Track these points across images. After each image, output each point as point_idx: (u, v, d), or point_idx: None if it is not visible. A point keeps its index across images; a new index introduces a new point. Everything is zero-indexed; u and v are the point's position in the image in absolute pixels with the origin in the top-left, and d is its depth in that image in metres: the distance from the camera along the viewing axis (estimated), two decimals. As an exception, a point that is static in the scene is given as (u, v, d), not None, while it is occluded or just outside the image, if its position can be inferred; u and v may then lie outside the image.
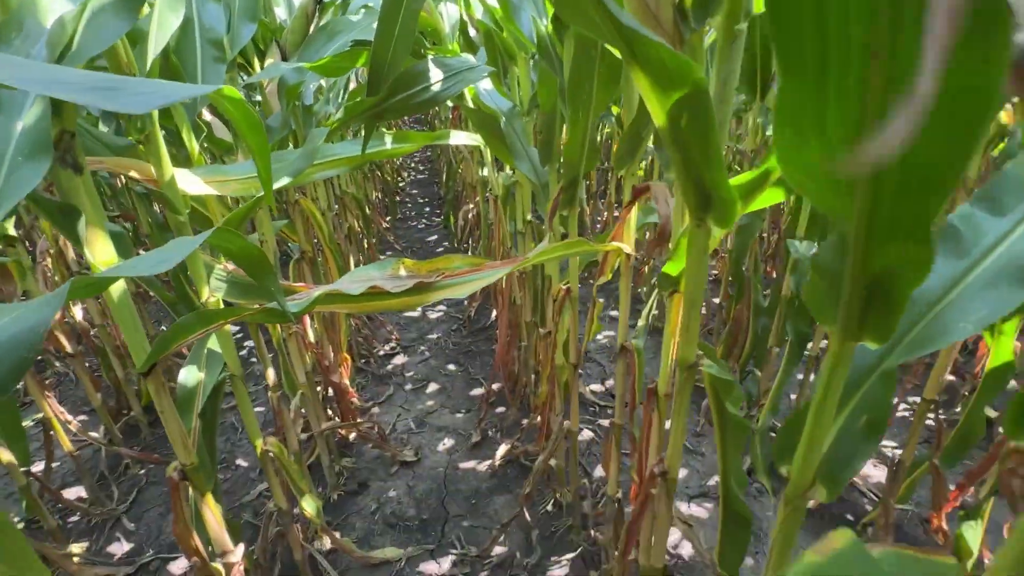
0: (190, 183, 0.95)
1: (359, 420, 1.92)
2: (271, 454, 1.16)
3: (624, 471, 1.66)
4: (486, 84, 1.35)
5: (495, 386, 2.14)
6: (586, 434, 1.97)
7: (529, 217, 1.76)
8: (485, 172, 2.57)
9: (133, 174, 0.85)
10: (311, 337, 1.75)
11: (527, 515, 1.49)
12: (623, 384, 1.07)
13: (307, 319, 1.74)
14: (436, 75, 1.10)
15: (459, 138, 1.48)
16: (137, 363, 0.75)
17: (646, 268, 2.71)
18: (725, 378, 0.59)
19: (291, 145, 1.64)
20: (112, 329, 1.98)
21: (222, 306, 0.97)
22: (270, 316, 0.79)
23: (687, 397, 0.64)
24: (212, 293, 0.95)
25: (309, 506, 1.28)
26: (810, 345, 1.66)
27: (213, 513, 0.89)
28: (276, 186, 0.99)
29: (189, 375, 1.04)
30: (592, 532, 1.48)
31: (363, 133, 1.08)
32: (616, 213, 3.27)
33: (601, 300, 1.09)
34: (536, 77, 1.49)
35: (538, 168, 1.27)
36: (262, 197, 0.98)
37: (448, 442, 1.98)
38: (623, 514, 1.25)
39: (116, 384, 2.01)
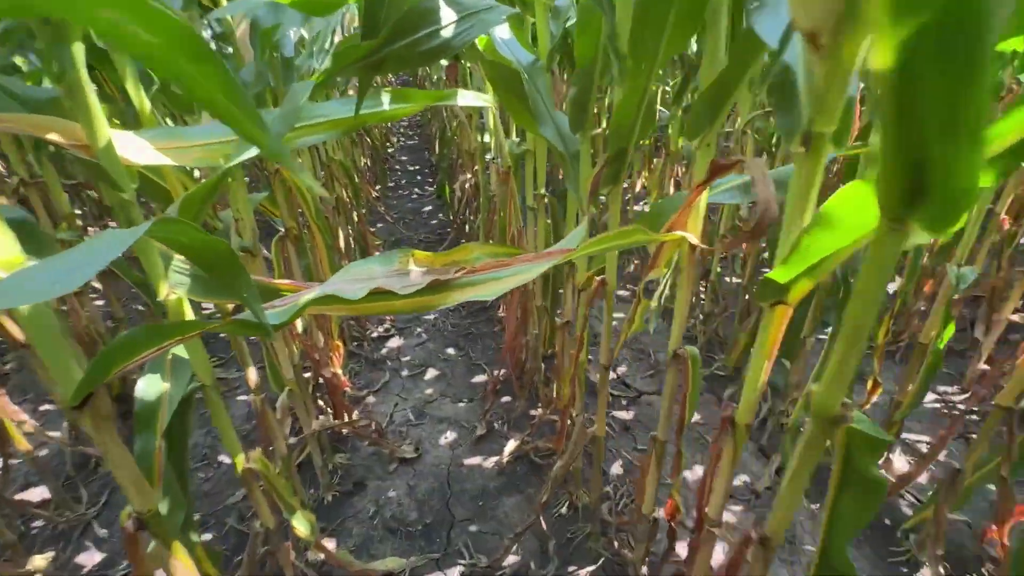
0: (136, 150, 0.74)
1: (354, 415, 1.76)
2: (255, 471, 1.00)
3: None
4: (503, 31, 1.13)
5: (498, 373, 1.99)
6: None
7: (543, 190, 1.56)
8: (487, 138, 2.35)
9: (54, 137, 0.64)
10: (299, 327, 1.56)
11: (543, 523, 1.36)
12: (671, 396, 0.91)
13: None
14: (447, 16, 0.89)
15: (467, 98, 1.26)
16: (64, 394, 0.56)
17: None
18: (877, 437, 0.43)
19: (270, 106, 1.41)
20: (72, 313, 1.77)
21: (185, 306, 0.78)
22: (244, 328, 0.61)
23: (814, 458, 0.47)
24: (172, 290, 0.76)
25: (302, 525, 1.12)
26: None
27: (184, 565, 0.72)
28: (248, 155, 0.79)
29: (149, 386, 0.86)
30: (615, 542, 1.36)
31: (357, 89, 0.88)
32: (624, 184, 3.07)
33: (646, 298, 0.92)
34: (556, 28, 1.27)
35: (566, 135, 1.07)
36: (230, 170, 0.78)
37: (450, 435, 1.84)
38: (656, 532, 1.12)
39: (81, 374, 1.81)
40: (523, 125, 1.12)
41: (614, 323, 1.14)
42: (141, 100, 0.84)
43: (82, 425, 0.59)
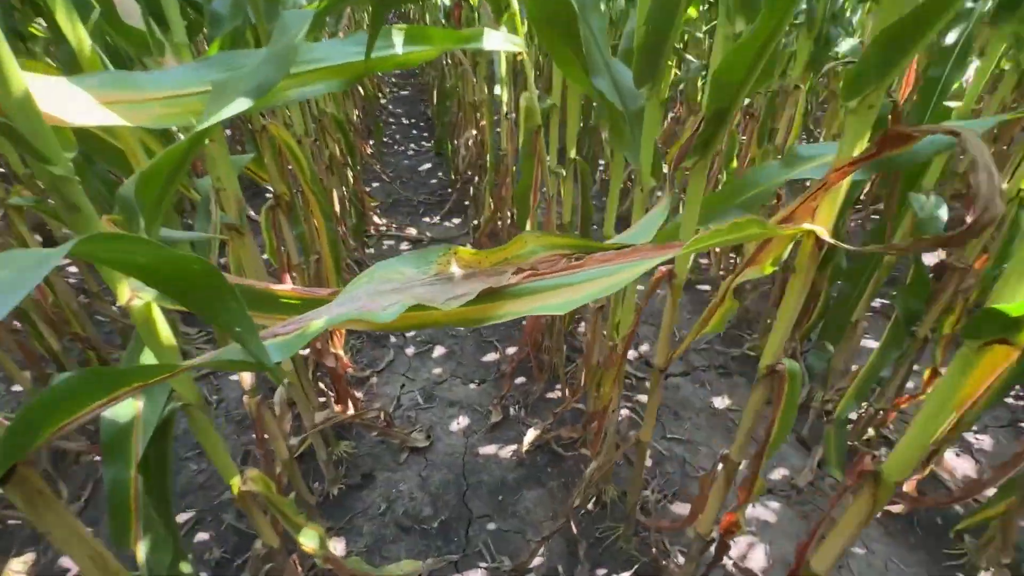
0: (71, 105, 0.54)
1: (358, 399, 1.61)
2: (254, 494, 0.85)
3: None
4: (546, -47, 0.90)
5: (514, 352, 1.84)
6: (622, 413, 1.71)
7: (573, 153, 1.36)
8: (497, 90, 2.10)
9: (-64, 86, 0.44)
10: (295, 305, 1.38)
11: (574, 527, 1.25)
12: (754, 416, 0.76)
13: (288, 280, 1.37)
14: (487, -76, 0.66)
15: (495, 41, 1.03)
16: (-23, 468, 0.39)
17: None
18: None
19: (251, 46, 1.17)
20: (37, 287, 1.57)
21: (155, 314, 0.60)
22: (237, 366, 0.44)
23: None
24: (135, 294, 0.58)
25: (310, 540, 0.99)
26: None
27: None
28: (230, 112, 0.58)
29: (117, 408, 0.69)
30: (652, 547, 1.25)
31: (348, 31, 0.67)
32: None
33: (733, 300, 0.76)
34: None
35: (625, 89, 0.86)
36: (206, 131, 0.58)
37: (463, 421, 1.71)
38: (709, 550, 1.00)
39: (53, 355, 1.64)
40: (568, 74, 0.91)
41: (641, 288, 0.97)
42: (79, 36, 0.63)
43: (13, 501, 0.43)
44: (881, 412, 1.50)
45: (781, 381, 0.69)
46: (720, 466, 0.86)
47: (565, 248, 0.62)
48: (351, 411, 1.58)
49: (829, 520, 0.61)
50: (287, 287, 0.55)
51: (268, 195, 1.33)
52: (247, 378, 0.99)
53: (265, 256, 1.37)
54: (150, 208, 0.59)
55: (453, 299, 0.49)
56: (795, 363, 0.69)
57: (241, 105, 0.55)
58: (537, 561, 1.29)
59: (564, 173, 1.42)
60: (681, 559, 1.25)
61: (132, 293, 0.58)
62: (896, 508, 1.34)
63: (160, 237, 0.69)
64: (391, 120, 4.77)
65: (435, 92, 3.91)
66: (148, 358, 0.70)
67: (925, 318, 1.29)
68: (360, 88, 3.85)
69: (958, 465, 1.48)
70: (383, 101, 5.16)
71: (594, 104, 2.53)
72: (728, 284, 0.71)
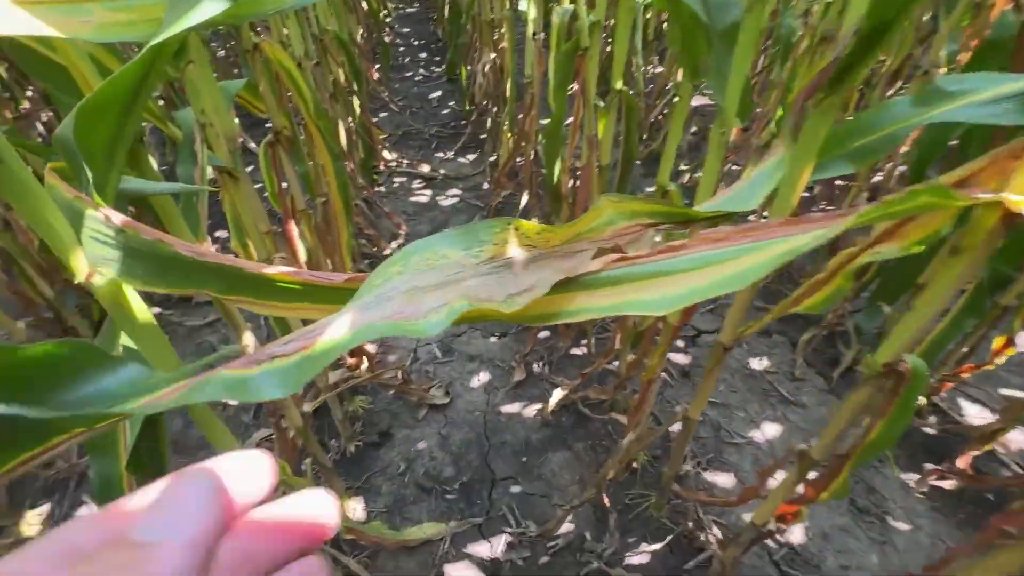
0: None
1: (372, 355, 1.52)
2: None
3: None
4: None
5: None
6: (653, 370, 1.61)
7: (619, 84, 1.16)
8: (523, 5, 1.83)
9: None
10: (302, 255, 1.25)
11: (606, 499, 1.18)
12: (851, 417, 0.64)
13: (293, 229, 1.23)
14: None
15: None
16: None
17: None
18: None
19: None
20: (20, 231, 1.44)
21: (127, 295, 0.47)
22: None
23: None
24: (94, 270, 0.45)
25: (327, 516, 0.92)
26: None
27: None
28: (199, 17, 0.41)
29: (96, 396, 0.58)
30: (687, 521, 1.19)
31: None
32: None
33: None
34: None
35: (714, 0, 0.67)
36: (168, 45, 0.42)
37: (483, 376, 1.62)
38: (759, 533, 0.92)
39: (47, 301, 1.54)
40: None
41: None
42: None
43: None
44: (936, 380, 1.39)
45: (901, 381, 0.56)
46: (793, 460, 0.76)
47: (652, 217, 0.47)
48: (365, 366, 1.50)
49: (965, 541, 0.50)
50: (287, 270, 0.41)
51: (268, 125, 1.15)
52: (250, 344, 0.88)
53: (266, 193, 1.23)
54: (100, 154, 0.44)
55: (517, 295, 0.35)
56: (921, 361, 0.56)
57: (213, 7, 0.38)
58: (565, 527, 1.24)
59: (604, 105, 1.23)
60: (716, 530, 1.20)
61: (90, 268, 0.45)
62: (946, 484, 1.26)
63: (119, 191, 0.54)
64: (398, 41, 4.39)
65: (446, 9, 3.53)
66: (127, 340, 0.58)
67: (1014, 285, 1.14)
68: (364, 3, 3.47)
69: (1014, 438, 1.38)
70: (387, 19, 4.72)
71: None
72: (845, 259, 0.56)
